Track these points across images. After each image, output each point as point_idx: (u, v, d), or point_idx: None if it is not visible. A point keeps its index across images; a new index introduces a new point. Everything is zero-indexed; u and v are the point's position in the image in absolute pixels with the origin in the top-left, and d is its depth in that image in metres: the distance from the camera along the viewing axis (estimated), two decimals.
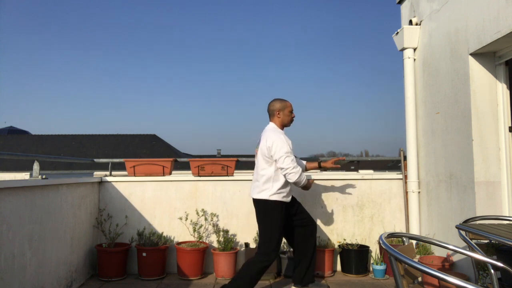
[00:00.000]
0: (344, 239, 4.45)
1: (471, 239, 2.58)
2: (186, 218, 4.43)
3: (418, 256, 3.93)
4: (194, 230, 4.36)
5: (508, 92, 3.44)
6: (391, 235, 2.25)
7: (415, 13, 4.42)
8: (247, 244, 4.37)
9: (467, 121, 3.46)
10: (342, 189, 4.57)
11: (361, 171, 5.28)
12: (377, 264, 4.18)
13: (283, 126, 3.57)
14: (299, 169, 3.33)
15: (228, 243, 4.23)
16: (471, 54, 3.43)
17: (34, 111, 69.40)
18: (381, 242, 1.98)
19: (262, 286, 3.86)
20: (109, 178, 4.50)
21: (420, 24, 4.33)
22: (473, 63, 3.44)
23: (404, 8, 4.67)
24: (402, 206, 4.56)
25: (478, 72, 3.44)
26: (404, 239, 2.42)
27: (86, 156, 22.29)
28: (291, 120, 3.60)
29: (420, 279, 3.23)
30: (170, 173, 4.71)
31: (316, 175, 4.72)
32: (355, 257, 4.22)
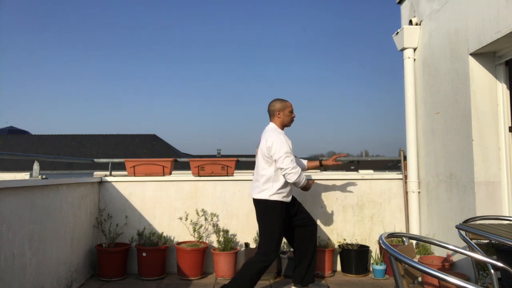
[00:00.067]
0: (344, 239, 4.45)
1: (471, 239, 2.58)
2: (186, 218, 4.43)
3: (418, 256, 3.93)
4: (194, 230, 4.36)
5: (508, 92, 3.44)
6: (391, 235, 2.25)
7: (415, 13, 4.42)
8: (247, 244, 4.37)
9: (467, 121, 3.46)
10: (342, 189, 4.57)
11: (361, 171, 5.28)
12: (377, 264, 4.18)
13: (283, 126, 3.57)
14: (298, 169, 3.33)
15: (228, 243, 4.23)
16: (471, 54, 3.43)
17: (34, 111, 69.41)
18: (381, 242, 1.98)
19: (262, 286, 3.86)
20: (109, 178, 4.50)
21: (420, 24, 4.33)
22: (473, 63, 3.44)
23: (404, 8, 4.68)
24: (402, 206, 4.56)
25: (478, 72, 3.44)
26: (404, 239, 2.42)
27: (86, 156, 22.29)
28: (292, 120, 3.60)
29: (420, 279, 3.23)
30: (170, 173, 4.71)
31: (316, 175, 4.72)
32: (355, 257, 4.22)
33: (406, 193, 4.49)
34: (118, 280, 4.10)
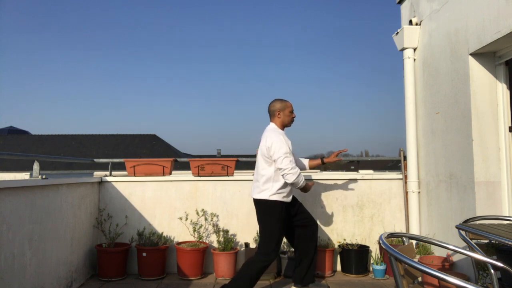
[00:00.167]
0: (344, 239, 4.45)
1: (471, 239, 2.58)
2: (186, 218, 4.43)
3: (418, 256, 3.93)
4: (194, 230, 4.36)
5: (508, 92, 3.44)
6: (391, 235, 2.25)
7: (415, 13, 4.42)
8: (247, 244, 4.37)
9: (467, 121, 3.46)
10: (342, 189, 4.57)
11: (361, 171, 5.28)
12: (377, 264, 4.18)
13: (283, 126, 3.57)
14: (297, 170, 3.33)
15: (228, 243, 4.23)
16: (471, 54, 3.43)
17: (34, 111, 69.45)
18: (381, 242, 1.98)
19: (262, 286, 3.86)
20: (109, 178, 4.50)
21: (420, 24, 4.33)
22: (473, 63, 3.44)
23: (404, 8, 4.68)
24: (402, 206, 4.56)
25: (478, 72, 3.44)
26: (404, 239, 2.42)
27: (86, 156, 22.29)
28: (292, 120, 3.60)
29: (420, 279, 3.23)
30: (170, 173, 4.71)
31: (316, 175, 4.72)
32: (355, 257, 4.22)
33: (406, 193, 4.49)
34: (118, 280, 4.10)
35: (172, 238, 4.46)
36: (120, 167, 5.35)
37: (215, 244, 4.33)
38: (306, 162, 3.90)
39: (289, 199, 3.47)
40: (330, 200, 4.56)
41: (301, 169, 3.90)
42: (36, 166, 3.52)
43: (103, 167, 7.41)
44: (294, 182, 3.33)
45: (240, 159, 5.06)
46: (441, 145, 3.89)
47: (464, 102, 3.50)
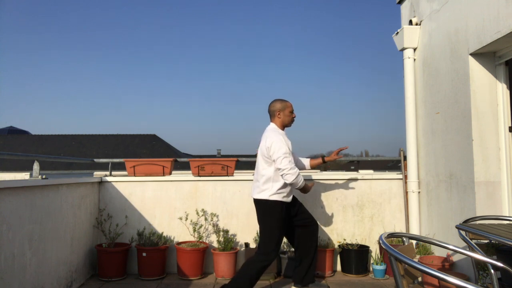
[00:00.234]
0: (344, 239, 4.45)
1: (471, 239, 2.58)
2: (186, 218, 4.43)
3: (418, 256, 3.93)
4: (194, 230, 4.36)
5: (508, 92, 3.44)
6: (391, 235, 2.25)
7: (415, 13, 4.42)
8: (247, 244, 4.37)
9: (467, 121, 3.46)
10: (342, 189, 4.57)
11: (361, 171, 5.28)
12: (377, 264, 4.18)
13: (283, 126, 3.57)
14: (296, 170, 3.34)
15: (228, 243, 4.23)
16: (471, 54, 3.43)
17: (34, 111, 69.44)
18: (381, 242, 1.98)
19: (262, 286, 3.86)
20: (109, 178, 4.50)
21: (420, 24, 4.33)
22: (473, 63, 3.44)
23: (404, 8, 4.68)
24: (402, 206, 4.56)
25: (478, 72, 3.44)
26: (404, 239, 2.42)
27: (86, 156, 22.29)
28: (292, 120, 3.60)
29: (420, 279, 3.23)
30: (170, 173, 4.71)
31: (316, 175, 4.72)
32: (355, 257, 4.22)
33: (406, 193, 4.49)
34: (118, 280, 4.10)
35: (172, 238, 4.46)
36: (120, 167, 5.35)
37: (215, 244, 4.33)
38: (307, 161, 3.90)
39: (289, 199, 3.47)
40: (330, 200, 4.56)
41: (301, 169, 3.90)
42: (36, 166, 3.52)
43: (103, 167, 7.41)
44: (293, 183, 3.33)
45: (240, 159, 5.06)
46: (441, 145, 3.89)
47: (464, 102, 3.50)
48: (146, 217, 4.48)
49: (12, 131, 29.24)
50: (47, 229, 3.23)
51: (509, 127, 3.40)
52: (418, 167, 4.35)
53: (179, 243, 4.33)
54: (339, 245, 4.37)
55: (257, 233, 4.26)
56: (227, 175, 4.61)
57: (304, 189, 3.51)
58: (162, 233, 4.38)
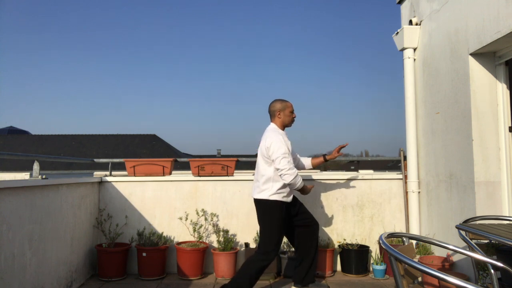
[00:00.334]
0: (344, 239, 4.45)
1: (471, 239, 2.58)
2: (186, 218, 4.43)
3: (418, 256, 3.93)
4: (194, 230, 4.36)
5: (508, 92, 3.44)
6: (391, 235, 2.25)
7: (415, 13, 4.42)
8: (247, 244, 4.37)
9: (467, 121, 3.46)
10: (342, 189, 4.57)
11: (361, 171, 5.28)
12: (377, 264, 4.18)
13: (284, 126, 3.57)
14: (294, 171, 3.34)
15: (228, 243, 4.23)
16: (471, 54, 3.43)
17: (34, 111, 69.46)
18: (381, 242, 1.98)
19: (262, 286, 3.86)
20: (109, 178, 4.50)
21: (420, 24, 4.33)
22: (473, 63, 3.44)
23: (404, 8, 4.68)
24: (402, 206, 4.56)
25: (478, 72, 3.44)
26: (404, 239, 2.42)
27: (86, 156, 22.29)
28: (292, 120, 3.60)
29: (420, 279, 3.23)
30: (170, 173, 4.71)
31: (316, 175, 4.72)
32: (355, 257, 4.22)
33: (406, 193, 4.49)
34: (118, 280, 4.10)
35: (172, 238, 4.46)
36: (120, 167, 5.35)
37: (215, 244, 4.33)
38: (308, 160, 3.90)
39: (289, 199, 3.47)
40: (330, 200, 4.56)
41: (302, 169, 3.91)
42: (36, 166, 3.52)
43: (103, 167, 7.41)
44: (291, 183, 3.33)
45: (240, 159, 5.06)
46: (441, 145, 3.89)
47: (464, 102, 3.50)
48: (146, 217, 4.48)
49: (12, 131, 29.24)
50: (47, 229, 3.23)
51: (509, 127, 3.40)
52: (418, 167, 4.35)
53: (179, 243, 4.33)
54: (339, 245, 4.37)
55: (257, 233, 4.26)
56: (227, 175, 4.61)
57: (303, 190, 3.51)
58: (162, 233, 4.38)
